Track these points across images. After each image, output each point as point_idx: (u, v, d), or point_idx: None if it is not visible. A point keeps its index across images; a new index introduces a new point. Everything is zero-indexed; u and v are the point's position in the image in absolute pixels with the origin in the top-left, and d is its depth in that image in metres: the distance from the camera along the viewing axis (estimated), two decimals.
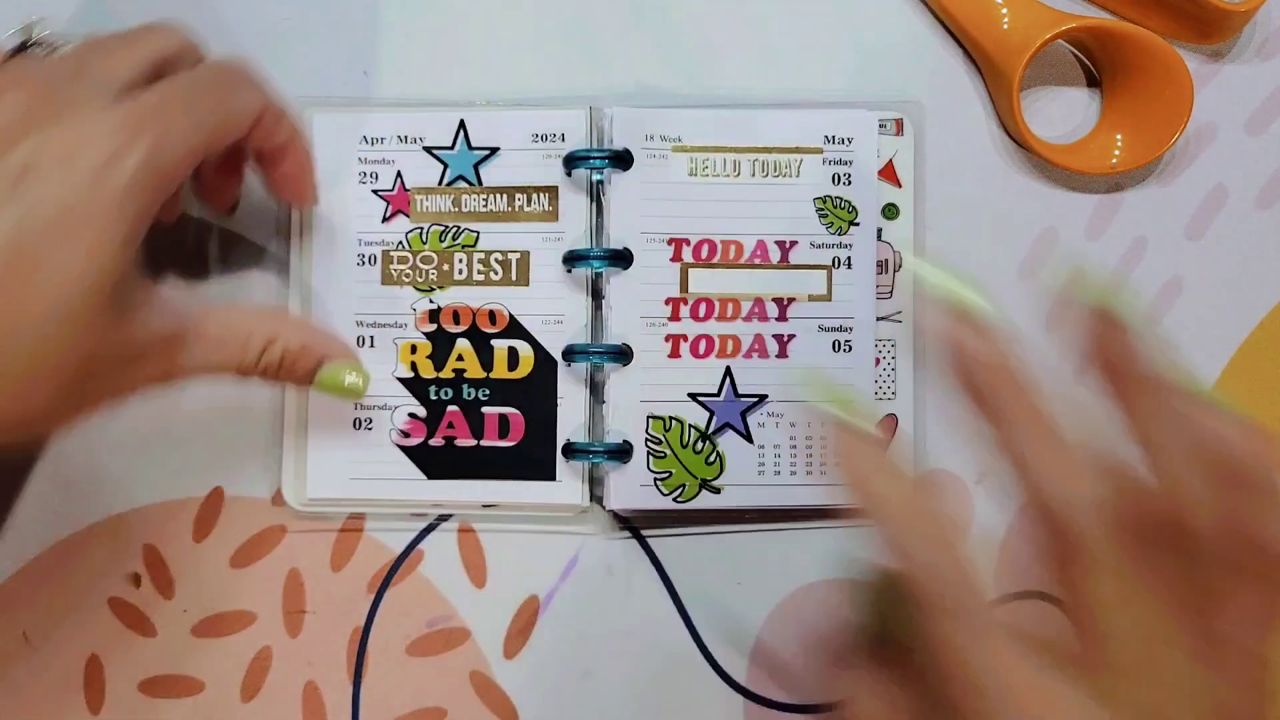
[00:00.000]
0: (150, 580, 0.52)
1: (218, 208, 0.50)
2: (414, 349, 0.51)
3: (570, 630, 0.52)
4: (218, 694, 0.52)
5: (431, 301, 0.51)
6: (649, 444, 0.51)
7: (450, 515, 0.52)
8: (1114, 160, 0.52)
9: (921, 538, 0.35)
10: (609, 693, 0.52)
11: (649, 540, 0.52)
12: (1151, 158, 0.52)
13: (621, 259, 0.50)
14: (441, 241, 0.51)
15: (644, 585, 0.52)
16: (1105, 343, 0.37)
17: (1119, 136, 0.53)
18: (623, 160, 0.50)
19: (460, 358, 0.51)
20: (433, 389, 0.51)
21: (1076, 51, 0.54)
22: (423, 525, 0.52)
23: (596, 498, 0.52)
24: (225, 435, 0.52)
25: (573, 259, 0.50)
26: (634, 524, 0.52)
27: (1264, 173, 0.54)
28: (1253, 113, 0.54)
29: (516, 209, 0.51)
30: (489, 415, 0.51)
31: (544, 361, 0.51)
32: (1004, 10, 0.51)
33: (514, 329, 0.51)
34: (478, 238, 0.51)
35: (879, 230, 0.52)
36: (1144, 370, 0.37)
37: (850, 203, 0.51)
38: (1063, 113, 0.54)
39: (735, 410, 0.51)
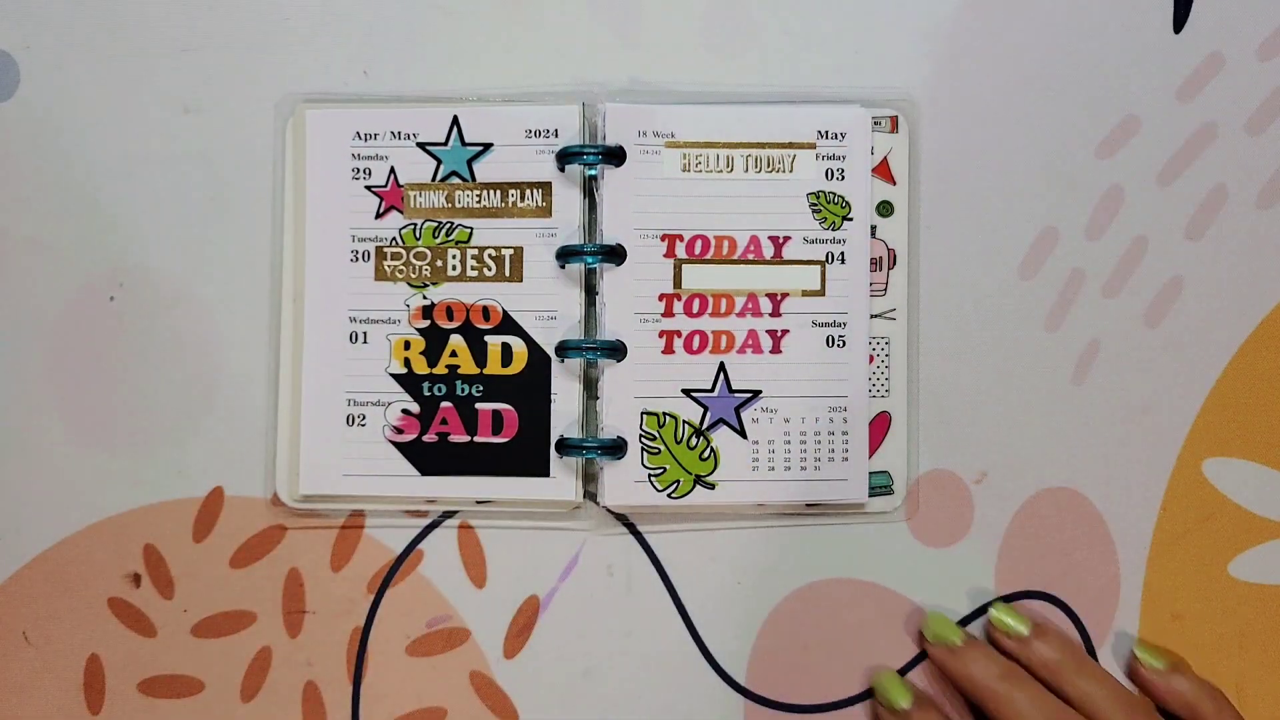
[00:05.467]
0: (150, 580, 0.52)
1: None
2: (407, 345, 0.51)
3: (570, 630, 0.52)
4: (217, 694, 0.52)
5: (425, 298, 0.51)
6: (643, 440, 0.51)
7: (445, 513, 0.52)
8: None
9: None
10: (609, 693, 0.52)
11: (647, 539, 0.52)
12: None
13: (615, 255, 0.50)
14: (435, 237, 0.51)
15: (644, 585, 0.52)
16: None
17: None
18: (616, 156, 0.50)
19: (454, 354, 0.51)
20: (426, 385, 0.51)
21: None
22: (422, 525, 0.52)
23: (590, 494, 0.51)
24: (225, 435, 0.52)
25: (566, 255, 0.50)
26: (628, 519, 0.52)
27: (1264, 173, 0.53)
28: (1253, 113, 0.53)
29: (510, 205, 0.51)
30: (482, 411, 0.51)
31: (538, 357, 0.51)
32: None
33: (507, 325, 0.51)
34: (471, 233, 0.51)
35: (873, 228, 0.52)
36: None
37: (844, 198, 0.51)
38: None
39: (729, 406, 0.51)
